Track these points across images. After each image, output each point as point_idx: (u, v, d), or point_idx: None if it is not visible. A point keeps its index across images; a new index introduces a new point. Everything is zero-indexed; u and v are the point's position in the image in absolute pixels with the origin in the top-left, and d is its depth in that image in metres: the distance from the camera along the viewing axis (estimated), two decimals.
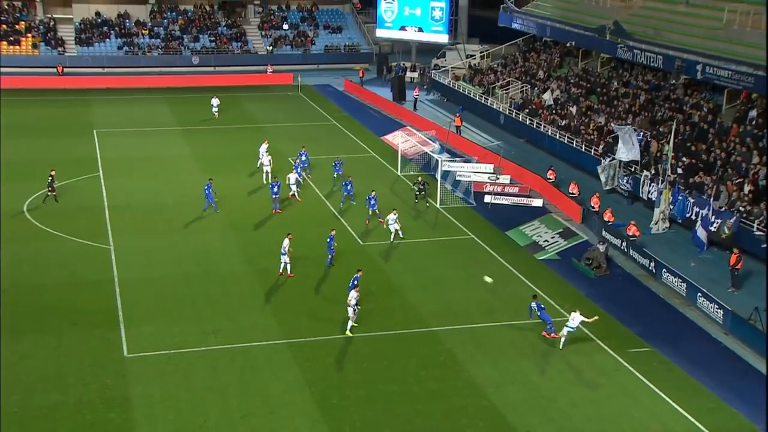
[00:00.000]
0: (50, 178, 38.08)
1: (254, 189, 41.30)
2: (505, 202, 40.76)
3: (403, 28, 71.98)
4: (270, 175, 40.89)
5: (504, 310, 29.42)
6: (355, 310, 26.69)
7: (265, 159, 41.49)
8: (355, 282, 27.73)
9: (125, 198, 39.61)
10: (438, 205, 39.91)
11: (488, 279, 29.92)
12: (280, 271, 31.00)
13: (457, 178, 42.10)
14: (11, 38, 69.09)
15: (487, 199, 40.55)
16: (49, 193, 38.29)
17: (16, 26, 70.40)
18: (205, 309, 28.72)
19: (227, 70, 71.95)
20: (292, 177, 38.76)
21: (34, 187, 39.77)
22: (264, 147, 43.42)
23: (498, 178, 42.10)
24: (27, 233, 34.62)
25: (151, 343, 26.22)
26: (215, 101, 55.61)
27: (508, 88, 58.77)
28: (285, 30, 78.04)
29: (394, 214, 34.51)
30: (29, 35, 70.85)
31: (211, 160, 46.23)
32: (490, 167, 42.53)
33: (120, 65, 71.29)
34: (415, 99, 61.75)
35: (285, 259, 30.72)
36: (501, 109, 56.18)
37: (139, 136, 51.39)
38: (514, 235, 36.66)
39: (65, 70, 67.67)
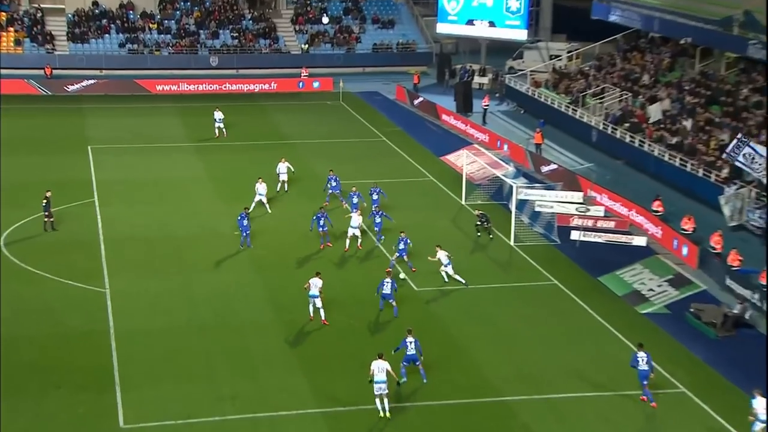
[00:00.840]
0: (45, 200, 39.43)
1: (284, 218, 41.97)
2: (597, 239, 40.84)
3: (470, 23, 72.18)
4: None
5: (595, 375, 29.21)
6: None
7: (282, 177, 44.45)
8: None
9: (125, 229, 40.36)
10: (512, 242, 40.19)
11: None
12: (311, 315, 31.77)
13: (537, 209, 42.25)
14: None
15: (575, 235, 40.70)
16: (46, 219, 39.30)
17: None
18: (220, 368, 28.88)
19: (253, 74, 73.05)
20: (355, 219, 38.50)
21: (13, 215, 40.65)
22: (283, 166, 44.81)
23: (589, 210, 42.44)
24: (4, 272, 34.98)
25: (154, 411, 26.14)
26: (218, 115, 55.58)
27: (603, 97, 58.78)
28: (324, 24, 78.69)
29: (442, 253, 35.18)
30: (11, 29, 72.01)
31: (231, 183, 47.21)
32: (578, 196, 42.90)
33: (121, 66, 72.50)
34: (485, 110, 62.07)
35: (317, 303, 31.54)
36: (593, 123, 56.21)
37: (143, 153, 52.51)
38: (610, 282, 36.75)
39: (55, 71, 68.95)
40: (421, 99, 65.54)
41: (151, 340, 30.24)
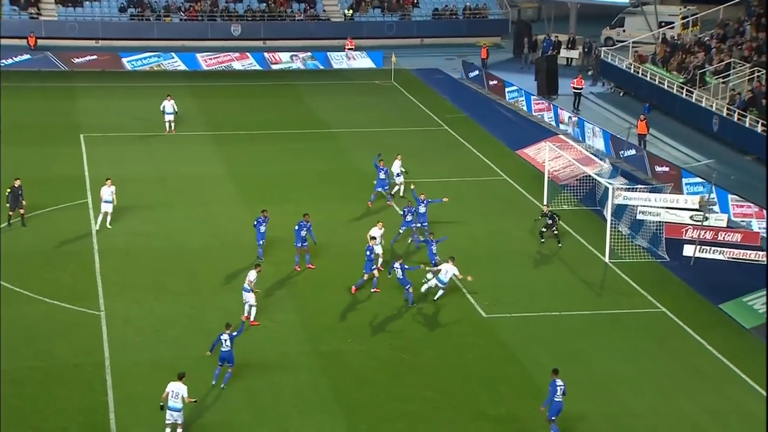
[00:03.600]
0: (9, 190, 40.03)
1: (327, 226, 41.90)
2: (719, 257, 40.74)
3: None
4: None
5: (716, 431, 29.18)
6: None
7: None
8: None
9: (125, 238, 40.57)
10: (607, 259, 40.33)
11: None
12: (245, 314, 33.26)
13: (640, 216, 42.24)
14: None
15: (689, 251, 40.62)
16: (11, 212, 40.02)
17: None
18: (240, 413, 29.00)
19: (285, 46, 74.23)
20: (377, 233, 38.54)
21: None
22: (169, 104, 46.28)
23: (708, 219, 42.09)
24: None
25: None
26: (170, 105, 54.49)
27: (728, 75, 58.33)
28: None
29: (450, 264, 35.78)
30: None
31: (257, 182, 48.07)
32: (694, 200, 42.42)
33: (122, 36, 73.82)
34: (575, 92, 62.15)
35: (249, 299, 33.76)
36: (715, 108, 55.93)
37: (147, 144, 53.37)
38: (735, 311, 36.48)
39: (40, 42, 70.23)
40: (495, 81, 66.01)
41: (156, 376, 29.92)
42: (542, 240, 41.21)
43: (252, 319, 33.70)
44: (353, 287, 36.70)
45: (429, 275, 36.27)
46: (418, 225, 40.69)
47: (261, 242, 38.74)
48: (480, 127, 57.92)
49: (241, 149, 52.99)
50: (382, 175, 44.69)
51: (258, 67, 71.06)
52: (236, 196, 46.05)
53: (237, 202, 45.15)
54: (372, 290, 36.70)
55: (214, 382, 29.92)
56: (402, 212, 41.08)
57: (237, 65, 71.03)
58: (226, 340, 29.88)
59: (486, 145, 54.47)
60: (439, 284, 35.82)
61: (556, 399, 27.83)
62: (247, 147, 53.44)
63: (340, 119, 58.70)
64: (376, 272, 37.04)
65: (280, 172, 49.67)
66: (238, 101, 62.71)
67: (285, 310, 35.33)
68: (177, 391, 27.05)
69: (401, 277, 35.62)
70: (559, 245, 41.00)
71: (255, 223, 38.68)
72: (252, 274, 33.95)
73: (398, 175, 45.38)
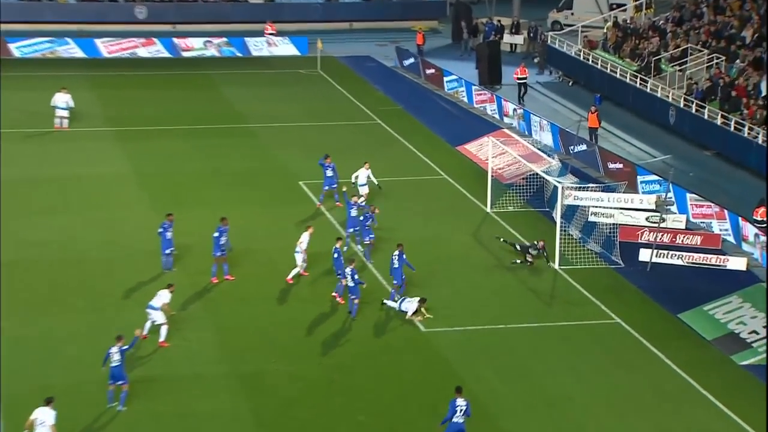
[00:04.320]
0: None
1: (247, 232, 42.05)
2: (677, 261, 41.09)
3: None
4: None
5: None
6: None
7: (364, 189, 44.69)
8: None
9: (13, 249, 40.11)
10: (556, 265, 40.58)
11: None
12: (143, 332, 33.30)
13: (592, 218, 42.76)
14: None
15: (645, 255, 40.98)
16: None
17: None
18: None
19: (197, 31, 74.16)
20: (305, 238, 38.95)
21: None
22: (364, 173, 45.00)
23: (665, 220, 42.54)
24: None
25: None
26: (63, 99, 53.96)
27: (685, 63, 59.06)
28: None
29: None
30: None
31: (167, 183, 47.99)
32: (650, 200, 42.84)
33: (9, 19, 72.37)
34: (520, 82, 62.48)
35: (157, 317, 33.31)
36: (671, 99, 56.59)
37: (40, 141, 53.28)
38: (695, 321, 36.69)
39: None
40: (432, 69, 66.26)
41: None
42: (516, 261, 40.68)
43: (162, 339, 33.51)
44: (334, 293, 36.98)
45: (389, 302, 36.57)
46: (352, 230, 40.96)
47: (168, 251, 38.66)
48: (416, 120, 58.29)
49: (148, 147, 52.73)
50: (329, 173, 44.82)
51: (167, 55, 70.75)
52: (143, 199, 45.85)
53: (144, 207, 44.93)
54: (287, 279, 37.79)
55: (109, 405, 29.66)
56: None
57: (142, 52, 70.67)
58: (115, 354, 29.62)
59: (423, 140, 54.84)
60: (399, 309, 36.07)
61: (455, 420, 27.76)
62: (155, 144, 53.20)
63: (260, 113, 58.74)
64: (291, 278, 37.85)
65: (194, 172, 49.55)
66: (145, 93, 62.38)
67: (200, 327, 35.10)
68: (43, 419, 26.55)
69: (352, 285, 35.64)
70: (549, 265, 40.55)
71: (160, 229, 38.49)
72: (164, 295, 33.66)
73: (363, 185, 45.03)
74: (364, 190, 44.74)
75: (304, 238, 38.40)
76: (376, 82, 65.67)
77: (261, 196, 46.90)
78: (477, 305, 37.36)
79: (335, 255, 36.86)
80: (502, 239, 41.99)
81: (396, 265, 36.86)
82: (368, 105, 60.61)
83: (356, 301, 35.78)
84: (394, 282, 37.13)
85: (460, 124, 58.11)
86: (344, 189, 43.39)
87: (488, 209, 45.86)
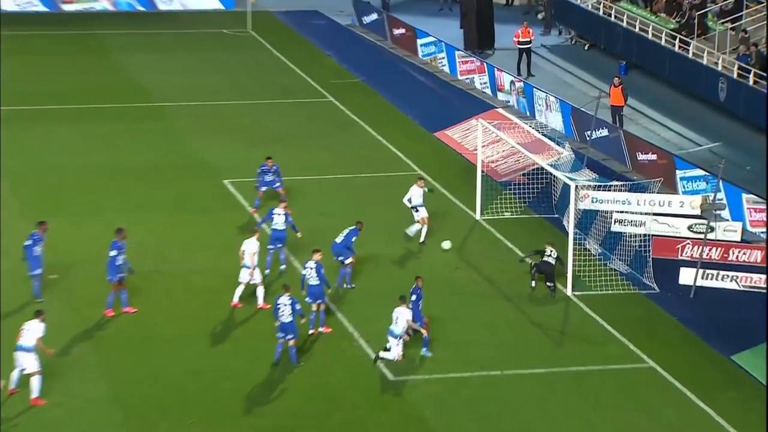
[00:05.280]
0: None
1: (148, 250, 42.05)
2: (730, 285, 41.21)
3: None
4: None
5: None
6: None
7: (422, 212, 44.35)
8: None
9: None
10: (569, 291, 40.90)
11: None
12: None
13: (616, 227, 43.32)
14: None
15: (688, 277, 41.37)
16: None
17: None
18: None
19: None
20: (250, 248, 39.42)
21: None
22: (418, 192, 44.38)
23: (713, 230, 42.93)
24: None
25: None
26: None
27: (740, 18, 59.09)
28: None
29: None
30: None
31: (44, 182, 48.13)
32: (694, 202, 43.17)
33: None
34: (521, 47, 62.69)
35: (27, 362, 32.54)
36: (721, 67, 56.34)
37: None
38: (753, 363, 36.59)
39: None
40: (402, 29, 66.54)
41: None
42: (533, 286, 40.83)
43: (34, 395, 32.72)
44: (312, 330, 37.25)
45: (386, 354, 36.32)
46: (275, 246, 41.29)
47: (35, 272, 38.38)
48: (381, 97, 59.30)
49: (18, 133, 52.59)
50: (268, 178, 45.47)
51: (42, 8, 70.71)
52: (11, 203, 45.73)
53: (12, 213, 44.74)
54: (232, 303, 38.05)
55: None
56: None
57: (7, 4, 70.28)
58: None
59: (390, 124, 55.57)
60: (390, 337, 35.82)
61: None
62: (29, 130, 53.41)
63: (170, 88, 59.34)
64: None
65: (80, 167, 49.84)
66: (11, 61, 61.67)
67: (89, 378, 34.60)
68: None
69: (288, 320, 35.32)
70: (553, 294, 40.64)
71: (27, 242, 38.43)
72: (35, 328, 32.89)
73: (416, 209, 44.40)
74: (421, 215, 44.26)
75: (249, 246, 38.58)
76: (326, 45, 66.24)
77: (172, 199, 47.12)
78: (464, 344, 37.14)
79: (310, 272, 37.14)
80: (525, 258, 41.76)
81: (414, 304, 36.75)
82: (316, 77, 61.41)
83: (292, 342, 35.43)
84: (418, 324, 36.71)
85: (439, 102, 59.46)
86: (282, 191, 43.97)
87: (477, 216, 46.11)
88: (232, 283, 38.52)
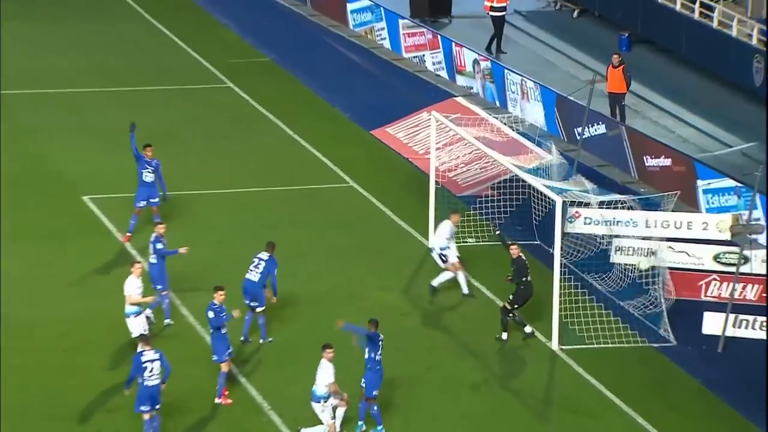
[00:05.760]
0: None
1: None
2: None
3: None
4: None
5: None
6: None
7: (452, 255, 44.53)
8: None
9: None
10: (555, 344, 40.92)
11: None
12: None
13: (616, 257, 43.77)
14: None
15: (714, 325, 41.28)
16: None
17: None
18: None
19: None
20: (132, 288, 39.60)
21: None
22: (448, 230, 44.43)
23: (748, 260, 42.85)
24: None
25: None
26: None
27: None
28: None
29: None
30: None
31: None
32: (722, 223, 43.85)
33: None
34: (494, 15, 63.00)
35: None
36: (755, 41, 56.25)
37: None
38: None
39: None
40: None
41: None
42: (503, 337, 41.14)
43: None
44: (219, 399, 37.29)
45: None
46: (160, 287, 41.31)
47: None
48: (299, 82, 60.23)
49: None
50: (148, 177, 45.50)
51: None
52: None
53: None
54: None
55: None
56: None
57: None
58: None
59: (312, 118, 56.46)
60: (312, 402, 35.61)
61: None
62: None
63: (11, 70, 60.31)
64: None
65: None
66: None
67: None
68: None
69: (154, 383, 35.17)
70: (527, 335, 41.21)
71: None
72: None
73: (442, 250, 44.32)
74: (452, 257, 44.13)
75: (130, 285, 38.58)
76: (224, 13, 68.87)
77: (11, 224, 46.92)
78: (414, 418, 36.77)
79: (216, 313, 37.08)
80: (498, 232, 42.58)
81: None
82: (211, 55, 62.94)
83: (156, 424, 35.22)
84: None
85: (377, 89, 59.83)
86: (155, 211, 44.71)
87: (430, 243, 45.84)
88: (96, 338, 38.04)
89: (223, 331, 37.05)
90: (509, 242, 41.25)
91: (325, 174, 51.13)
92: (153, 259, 40.88)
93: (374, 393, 35.93)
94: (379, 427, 35.86)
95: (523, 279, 40.64)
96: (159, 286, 40.77)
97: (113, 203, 46.09)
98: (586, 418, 37.27)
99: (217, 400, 36.58)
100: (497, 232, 42.25)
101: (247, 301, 40.06)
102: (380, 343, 36.18)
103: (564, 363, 39.66)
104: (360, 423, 35.65)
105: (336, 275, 44.22)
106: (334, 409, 35.38)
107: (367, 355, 35.95)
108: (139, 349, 35.18)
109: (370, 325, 36.24)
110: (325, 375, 34.88)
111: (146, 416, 34.69)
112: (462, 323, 41.54)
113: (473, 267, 44.28)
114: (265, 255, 40.54)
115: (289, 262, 43.42)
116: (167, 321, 40.80)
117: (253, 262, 40.34)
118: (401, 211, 48.10)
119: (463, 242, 45.51)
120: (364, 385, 35.88)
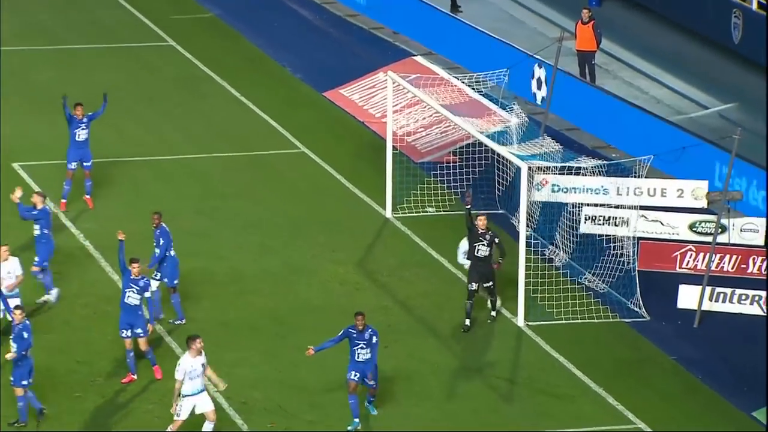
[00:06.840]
0: None
1: None
2: (750, 310, 41.56)
3: None
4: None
5: None
6: None
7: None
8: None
9: None
10: (520, 320, 40.75)
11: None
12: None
13: (585, 228, 43.59)
14: None
15: (689, 298, 41.44)
16: None
17: None
18: None
19: None
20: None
21: None
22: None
23: (725, 230, 42.94)
24: None
25: None
26: None
27: None
28: None
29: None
30: None
31: None
32: (698, 190, 43.89)
33: None
34: None
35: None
36: None
37: None
38: None
39: None
40: None
41: None
42: (492, 315, 41.03)
43: None
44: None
45: None
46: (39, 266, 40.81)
47: None
48: (245, 40, 61.04)
49: None
50: (81, 135, 45.41)
51: None
52: None
53: None
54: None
55: None
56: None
57: None
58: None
59: (260, 79, 57.13)
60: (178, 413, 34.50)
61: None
62: None
63: None
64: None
65: None
66: None
67: None
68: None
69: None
70: (492, 315, 41.04)
71: None
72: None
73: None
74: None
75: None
76: None
77: None
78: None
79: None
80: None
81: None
82: (150, 11, 63.74)
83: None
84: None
85: (330, 47, 60.27)
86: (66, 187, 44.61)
87: (388, 213, 46.40)
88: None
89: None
90: (477, 214, 40.61)
91: (275, 139, 51.34)
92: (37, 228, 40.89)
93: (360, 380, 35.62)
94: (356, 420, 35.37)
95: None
96: (38, 265, 40.63)
97: (46, 170, 45.42)
98: (554, 398, 37.06)
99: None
100: (467, 207, 40.94)
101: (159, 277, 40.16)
102: (364, 341, 35.70)
103: (530, 340, 39.64)
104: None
105: (287, 248, 44.20)
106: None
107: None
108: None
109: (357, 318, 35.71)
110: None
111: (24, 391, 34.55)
112: (422, 299, 41.39)
113: (435, 239, 44.53)
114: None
115: (238, 234, 44.77)
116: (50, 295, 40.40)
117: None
118: (356, 179, 48.42)
119: (421, 212, 45.83)
120: (356, 378, 35.36)
